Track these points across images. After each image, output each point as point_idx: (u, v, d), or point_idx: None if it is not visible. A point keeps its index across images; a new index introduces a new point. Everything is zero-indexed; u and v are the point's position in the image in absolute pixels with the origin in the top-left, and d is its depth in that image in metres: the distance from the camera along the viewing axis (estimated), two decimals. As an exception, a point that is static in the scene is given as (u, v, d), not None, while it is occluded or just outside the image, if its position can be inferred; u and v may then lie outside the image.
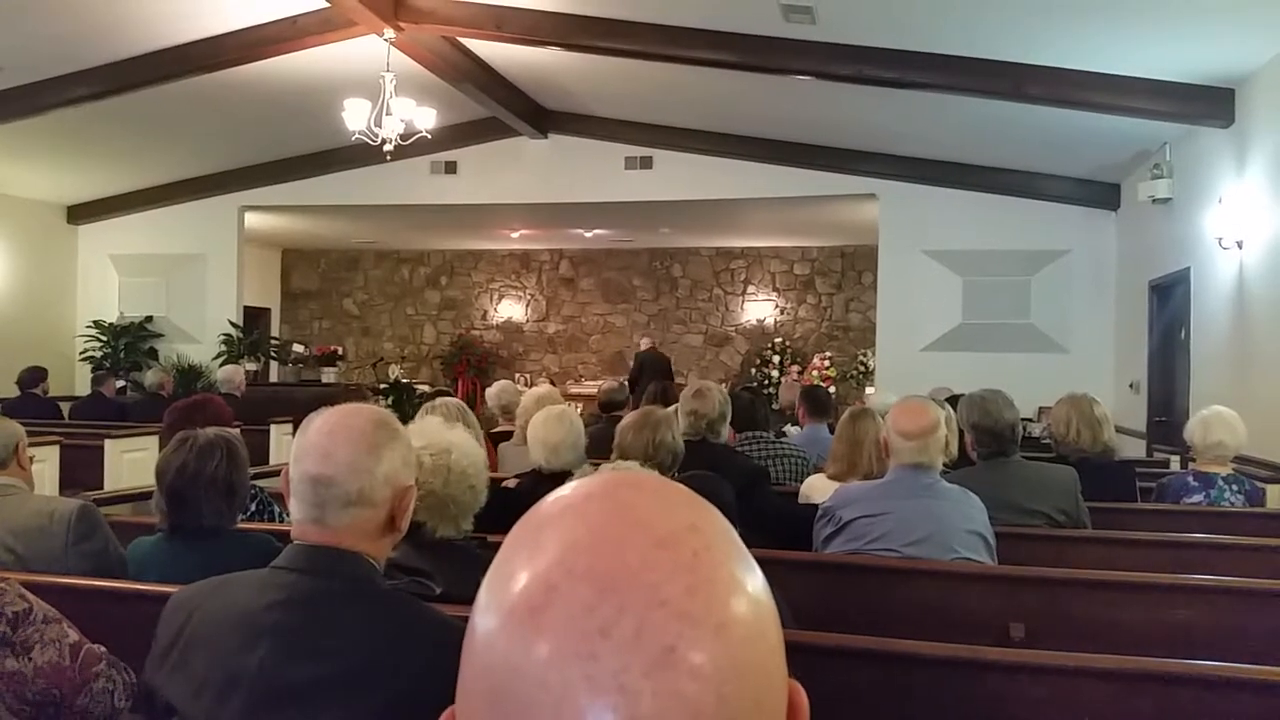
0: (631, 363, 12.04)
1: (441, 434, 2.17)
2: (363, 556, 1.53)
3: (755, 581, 0.50)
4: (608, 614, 0.45)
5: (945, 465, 3.31)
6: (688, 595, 0.46)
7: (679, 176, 9.64)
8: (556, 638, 0.45)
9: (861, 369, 12.23)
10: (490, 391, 5.83)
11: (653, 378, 8.55)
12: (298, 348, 12.62)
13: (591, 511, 0.50)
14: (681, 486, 0.54)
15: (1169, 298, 7.41)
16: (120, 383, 9.94)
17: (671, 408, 3.98)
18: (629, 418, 3.40)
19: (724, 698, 0.45)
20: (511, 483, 3.41)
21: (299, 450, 1.54)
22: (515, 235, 13.14)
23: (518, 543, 0.50)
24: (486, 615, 0.48)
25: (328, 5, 6.42)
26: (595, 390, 8.15)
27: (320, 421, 1.56)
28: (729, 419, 3.87)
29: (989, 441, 3.32)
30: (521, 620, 0.46)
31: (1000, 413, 3.32)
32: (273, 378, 11.87)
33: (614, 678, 0.44)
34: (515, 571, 0.48)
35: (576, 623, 0.45)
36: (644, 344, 12.20)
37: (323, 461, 1.51)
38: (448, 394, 5.66)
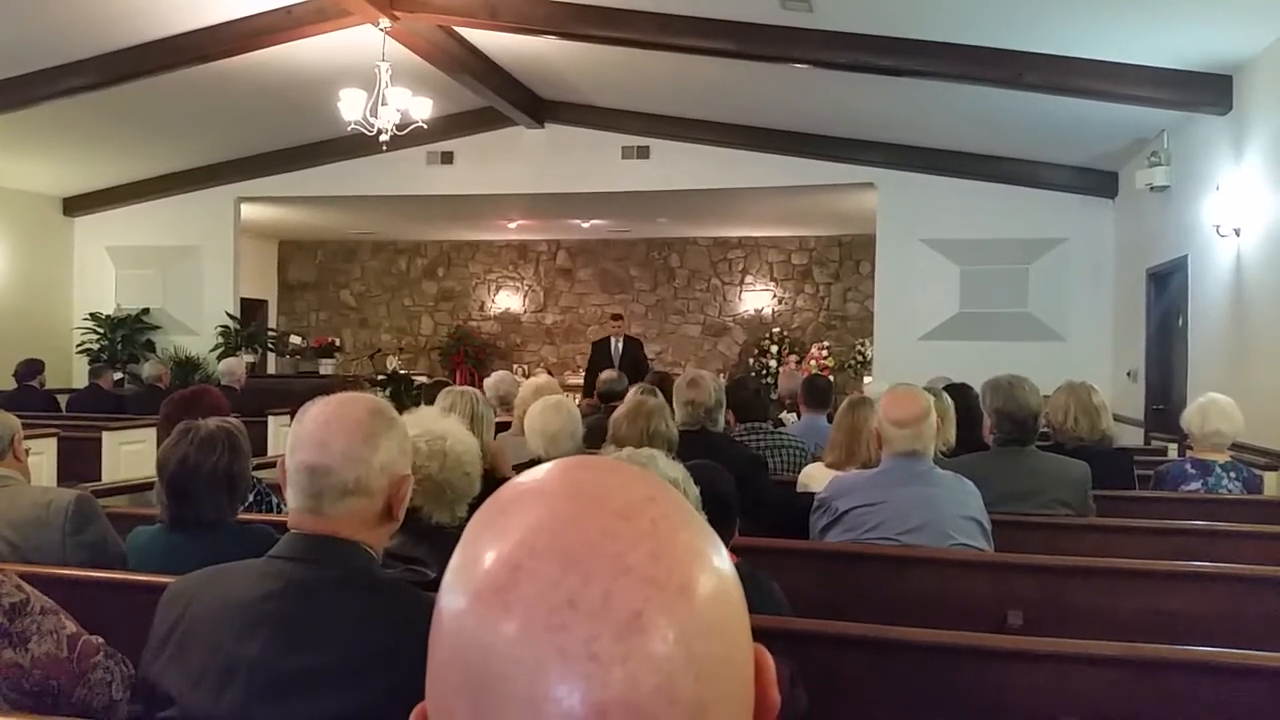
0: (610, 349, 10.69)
1: (437, 421, 2.24)
2: (360, 545, 1.53)
3: (714, 546, 0.51)
4: (574, 585, 0.46)
5: (943, 453, 3.31)
6: (651, 560, 0.47)
7: (676, 166, 9.60)
8: (525, 614, 0.46)
9: (859, 358, 12.22)
10: (488, 382, 5.81)
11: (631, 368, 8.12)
12: (295, 339, 12.59)
13: (550, 492, 0.51)
14: (634, 465, 0.56)
15: (1167, 286, 7.41)
16: (117, 375, 9.92)
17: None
18: (622, 408, 3.42)
19: (694, 657, 0.46)
20: (510, 472, 3.41)
21: (295, 440, 1.54)
22: (512, 226, 13.11)
23: (480, 527, 0.51)
24: (453, 598, 0.49)
25: (323, -5, 6.40)
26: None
27: (316, 411, 1.55)
28: (725, 405, 3.88)
29: (1010, 428, 3.31)
30: (488, 601, 0.47)
31: (1027, 400, 3.31)
32: (270, 369, 11.86)
33: (585, 646, 0.45)
34: (479, 555, 0.49)
35: (544, 597, 0.46)
36: (617, 327, 10.71)
37: (319, 451, 1.51)
38: (446, 384, 5.64)
